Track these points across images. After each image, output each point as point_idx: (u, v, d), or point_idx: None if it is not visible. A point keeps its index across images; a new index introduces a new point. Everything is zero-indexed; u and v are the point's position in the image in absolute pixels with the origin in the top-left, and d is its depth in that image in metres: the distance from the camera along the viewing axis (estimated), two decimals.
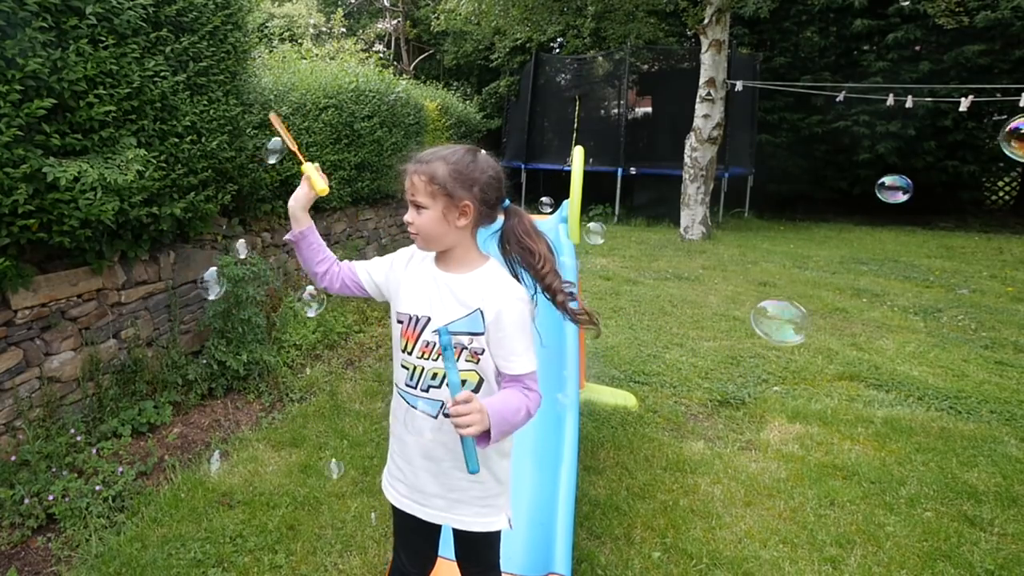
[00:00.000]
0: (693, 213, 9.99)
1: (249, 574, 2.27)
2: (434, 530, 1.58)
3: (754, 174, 12.68)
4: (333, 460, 2.54)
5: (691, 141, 9.94)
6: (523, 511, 2.29)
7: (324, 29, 13.76)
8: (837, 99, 10.27)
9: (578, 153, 3.05)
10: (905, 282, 7.13)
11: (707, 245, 9.49)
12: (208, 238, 4.24)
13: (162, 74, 3.32)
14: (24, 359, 2.94)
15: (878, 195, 3.30)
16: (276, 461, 3.07)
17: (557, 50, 15.39)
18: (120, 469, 2.87)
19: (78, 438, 2.99)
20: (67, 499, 2.60)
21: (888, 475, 2.96)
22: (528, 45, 14.26)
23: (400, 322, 1.45)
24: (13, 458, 2.74)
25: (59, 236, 2.86)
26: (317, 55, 8.51)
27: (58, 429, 2.99)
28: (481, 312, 1.36)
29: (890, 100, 9.47)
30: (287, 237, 1.55)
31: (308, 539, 2.46)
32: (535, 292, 1.49)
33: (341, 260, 1.58)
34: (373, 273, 1.53)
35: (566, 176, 4.77)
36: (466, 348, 1.36)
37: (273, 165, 3.34)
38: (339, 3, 16.22)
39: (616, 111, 12.87)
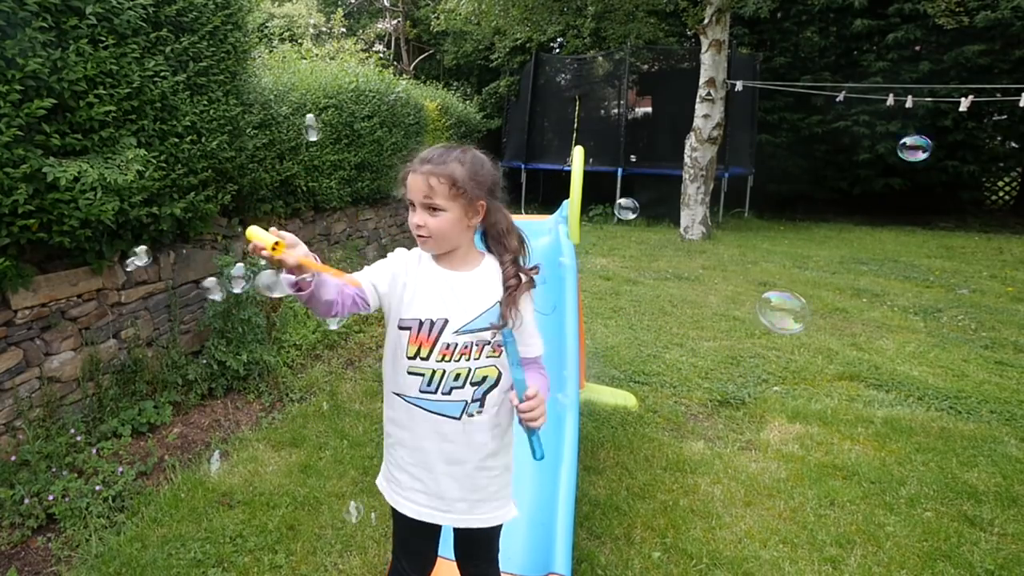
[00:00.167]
0: (693, 213, 9.99)
1: (249, 574, 2.27)
2: (437, 532, 1.58)
3: (754, 174, 12.68)
4: (352, 503, 2.51)
5: (691, 141, 9.94)
6: (523, 511, 2.28)
7: (324, 29, 13.76)
8: (837, 99, 10.27)
9: (578, 153, 3.05)
10: (905, 282, 7.13)
11: (707, 245, 9.49)
12: (208, 238, 4.24)
13: (162, 74, 3.32)
14: (24, 359, 2.94)
15: (899, 154, 3.56)
16: (276, 461, 3.07)
17: (557, 50, 15.39)
18: (120, 469, 2.87)
19: (78, 438, 2.99)
20: (67, 499, 2.60)
21: (888, 475, 2.96)
22: (528, 45, 14.26)
23: (406, 328, 1.39)
24: (13, 458, 2.74)
25: (59, 236, 2.86)
26: (317, 55, 8.51)
27: (58, 429, 2.99)
28: (500, 304, 1.40)
29: (890, 100, 9.47)
30: (300, 293, 1.26)
31: (308, 539, 2.46)
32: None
33: (341, 262, 1.53)
34: (378, 286, 1.41)
35: (566, 176, 4.76)
36: (488, 343, 1.38)
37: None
38: (339, 3, 16.22)
39: (616, 111, 12.87)
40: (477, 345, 1.38)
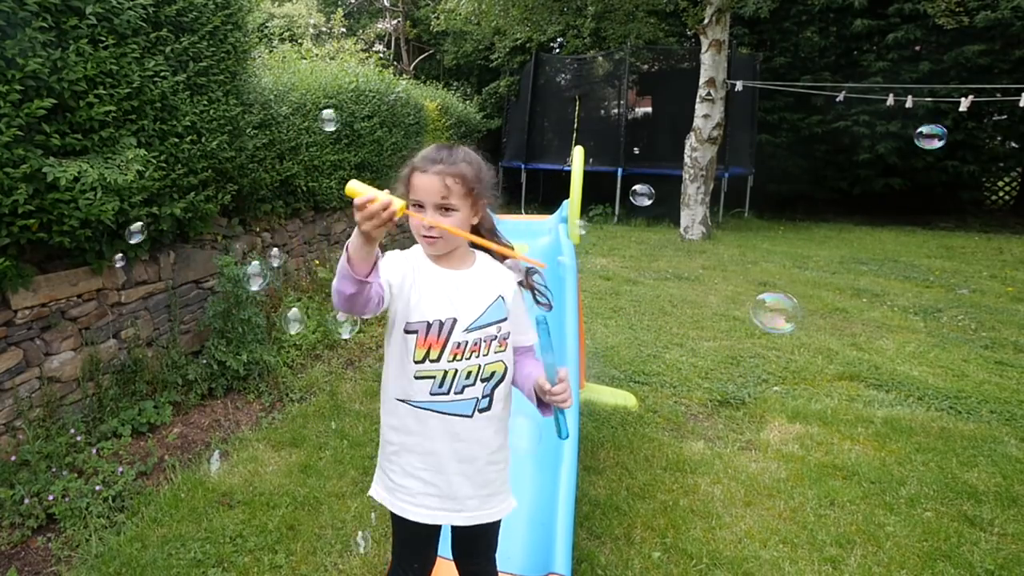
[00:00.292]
0: (693, 213, 9.98)
1: (249, 574, 2.27)
2: (438, 533, 1.58)
3: (754, 174, 12.68)
4: (360, 533, 2.50)
5: (691, 141, 9.94)
6: (523, 511, 2.29)
7: (324, 29, 13.76)
8: (837, 99, 10.27)
9: (578, 153, 3.05)
10: (905, 282, 7.13)
11: (707, 245, 9.49)
12: (208, 238, 4.24)
13: (162, 74, 3.32)
14: (24, 359, 2.94)
15: (916, 143, 3.79)
16: (276, 461, 3.07)
17: (557, 50, 15.39)
18: (120, 469, 2.87)
19: (78, 438, 2.99)
20: (67, 499, 2.60)
21: (888, 475, 2.96)
22: (528, 45, 14.26)
23: (412, 332, 1.37)
24: (13, 458, 2.74)
25: (59, 236, 2.86)
26: (317, 55, 8.51)
27: (58, 429, 2.99)
28: (502, 298, 1.44)
29: (890, 100, 9.47)
30: (354, 287, 1.21)
31: (308, 539, 2.46)
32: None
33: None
34: (392, 286, 1.36)
35: (566, 176, 4.77)
36: (495, 338, 1.41)
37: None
38: (339, 3, 16.22)
39: (616, 111, 12.87)
40: (485, 341, 1.40)
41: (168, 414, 3.45)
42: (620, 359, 4.46)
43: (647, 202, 3.15)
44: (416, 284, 1.40)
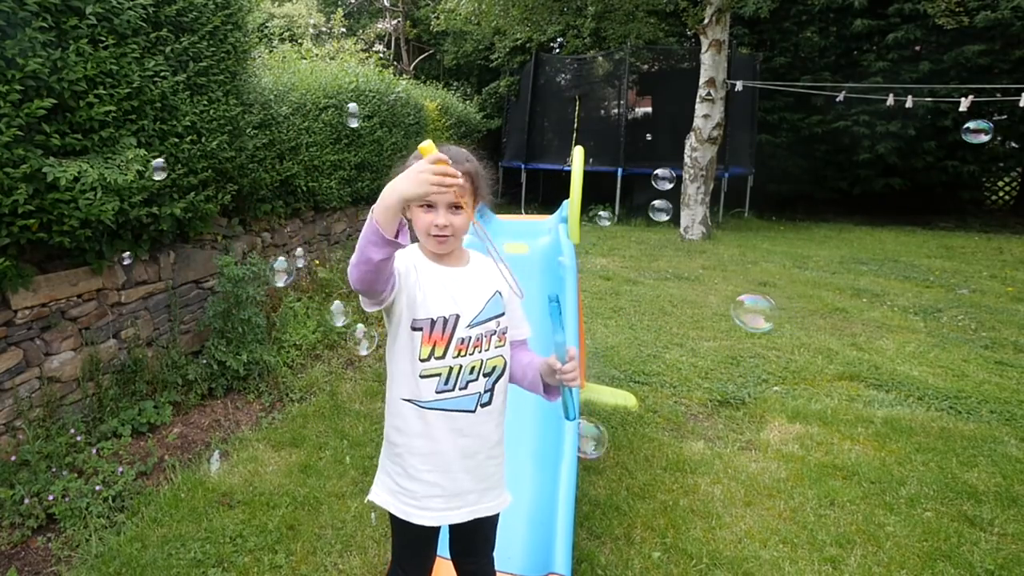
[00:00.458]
0: (693, 213, 9.98)
1: (249, 574, 2.27)
2: (438, 532, 1.59)
3: (754, 174, 12.68)
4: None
5: (691, 141, 9.94)
6: (523, 511, 2.29)
7: (324, 29, 13.76)
8: (837, 99, 10.27)
9: (578, 153, 3.05)
10: (905, 282, 7.13)
11: (707, 245, 9.49)
12: (208, 238, 4.24)
13: (162, 74, 3.32)
14: (24, 359, 2.94)
15: (963, 137, 4.01)
16: (276, 461, 3.07)
17: (557, 50, 15.39)
18: (120, 469, 2.87)
19: (78, 438, 2.99)
20: (67, 499, 2.60)
21: (888, 475, 2.96)
22: (528, 45, 14.26)
23: (418, 329, 1.38)
24: (13, 458, 2.74)
25: (59, 236, 2.86)
26: (317, 55, 8.51)
27: (58, 429, 2.98)
28: (499, 293, 1.47)
29: (890, 100, 9.47)
30: (379, 256, 1.22)
31: (308, 539, 2.46)
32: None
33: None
34: (400, 277, 1.37)
35: (566, 176, 4.77)
36: (495, 333, 1.43)
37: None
38: (339, 3, 16.22)
39: (616, 111, 12.87)
40: (487, 336, 1.43)
41: (168, 414, 3.45)
42: (620, 359, 4.46)
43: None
44: (419, 281, 1.41)
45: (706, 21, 9.56)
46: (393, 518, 1.50)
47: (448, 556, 1.65)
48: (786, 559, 2.36)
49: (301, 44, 9.77)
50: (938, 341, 4.97)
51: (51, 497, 2.60)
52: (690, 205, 10.00)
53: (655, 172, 3.26)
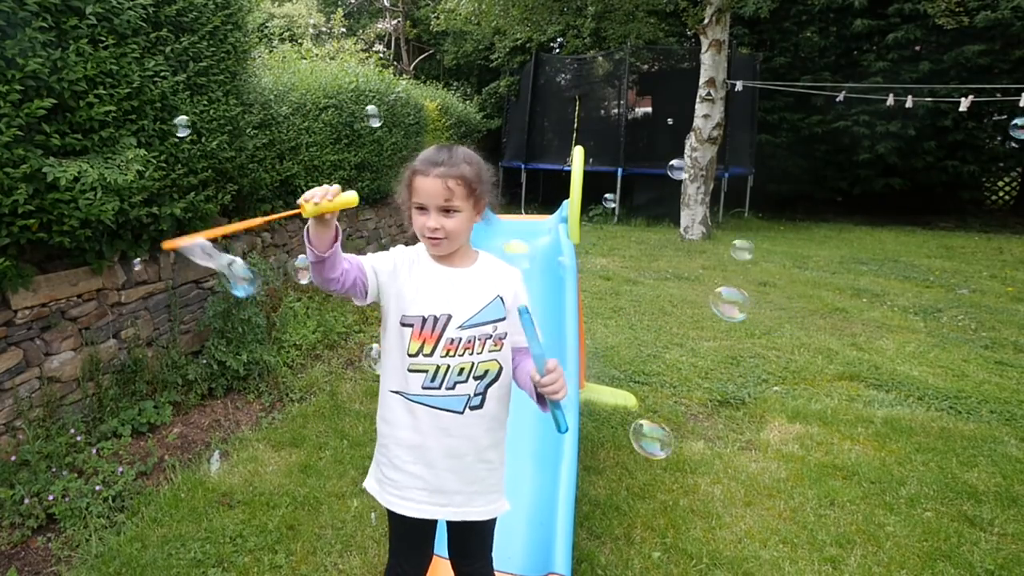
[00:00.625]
0: (693, 213, 9.98)
1: (249, 574, 2.27)
2: (434, 530, 1.59)
3: (754, 174, 12.68)
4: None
5: (691, 141, 9.94)
6: (523, 511, 2.29)
7: (324, 29, 13.76)
8: (837, 99, 10.27)
9: (578, 153, 3.05)
10: (905, 282, 7.13)
11: (707, 245, 9.49)
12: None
13: (162, 74, 3.32)
14: (24, 359, 2.94)
15: (1012, 134, 4.08)
16: (276, 461, 3.07)
17: (557, 50, 15.40)
18: (120, 469, 2.87)
19: (78, 438, 2.99)
20: (67, 499, 2.60)
21: (888, 475, 2.96)
22: (528, 45, 14.26)
23: (408, 325, 1.40)
24: (13, 458, 2.74)
25: (59, 236, 2.86)
26: (317, 55, 8.51)
27: (58, 429, 2.98)
28: (501, 298, 1.44)
29: (890, 100, 9.47)
30: (315, 258, 1.30)
31: (308, 539, 2.46)
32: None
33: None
34: (379, 273, 1.42)
35: (566, 176, 4.77)
36: (490, 337, 1.41)
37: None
38: (339, 3, 16.22)
39: (616, 111, 12.87)
40: (480, 339, 1.41)
41: (168, 414, 3.45)
42: (620, 359, 4.46)
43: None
44: (412, 278, 1.43)
45: (706, 21, 9.56)
46: (388, 511, 1.52)
47: (447, 556, 1.65)
48: (786, 559, 2.36)
49: (301, 44, 9.77)
50: (938, 341, 4.97)
51: (51, 497, 2.60)
52: (690, 205, 10.00)
53: (671, 163, 3.34)
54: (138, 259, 3.45)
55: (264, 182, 4.63)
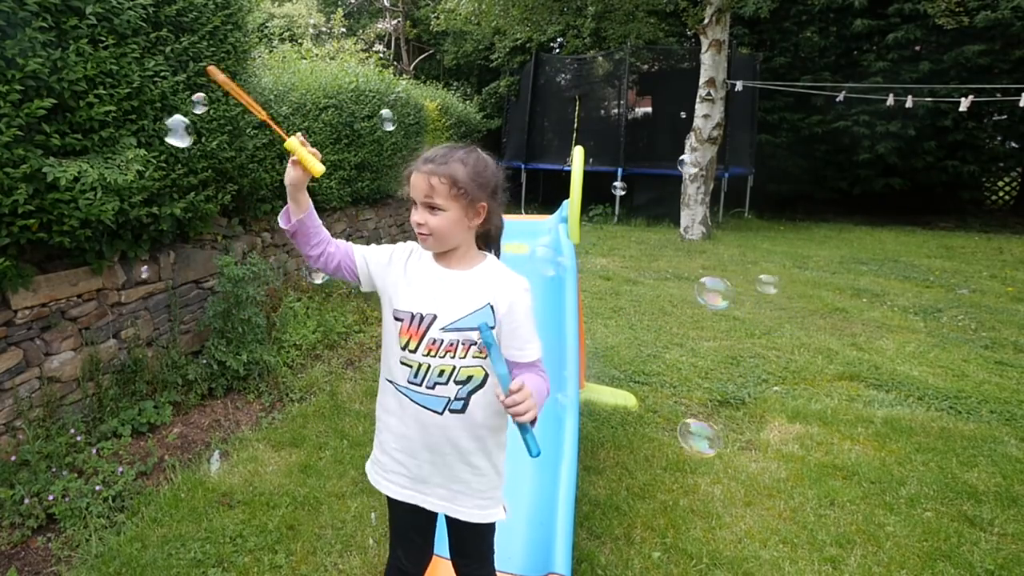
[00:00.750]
0: (693, 213, 9.99)
1: (249, 574, 2.27)
2: (431, 525, 1.60)
3: (754, 174, 12.69)
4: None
5: (691, 141, 9.94)
6: (523, 511, 2.29)
7: (324, 29, 13.77)
8: (837, 99, 10.28)
9: (578, 153, 3.05)
10: (905, 282, 7.13)
11: (707, 245, 9.49)
12: (208, 238, 4.24)
13: (162, 74, 3.32)
14: (24, 359, 2.94)
15: None
16: (276, 461, 3.07)
17: (557, 50, 15.40)
18: (120, 469, 2.87)
19: (78, 438, 2.99)
20: (67, 499, 2.60)
21: (888, 475, 2.96)
22: (528, 45, 14.27)
23: (399, 319, 1.43)
24: (13, 458, 2.74)
25: (59, 236, 2.86)
26: (317, 55, 8.51)
27: (58, 429, 2.98)
28: (492, 306, 1.39)
29: (890, 100, 9.48)
30: (283, 224, 1.46)
31: (308, 539, 2.46)
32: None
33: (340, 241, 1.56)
34: (370, 262, 1.49)
35: (566, 176, 4.77)
36: (475, 344, 1.38)
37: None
38: (339, 3, 16.23)
39: (616, 111, 12.87)
40: (463, 344, 1.39)
41: (168, 414, 3.45)
42: (620, 359, 4.46)
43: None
44: (407, 272, 1.46)
45: (706, 21, 9.57)
46: (386, 498, 1.57)
47: (448, 556, 1.65)
48: (786, 559, 2.36)
49: (301, 44, 9.77)
50: (938, 341, 4.97)
51: (51, 497, 2.60)
52: (690, 205, 10.00)
53: (680, 158, 3.40)
54: (145, 267, 3.54)
55: (264, 182, 4.63)
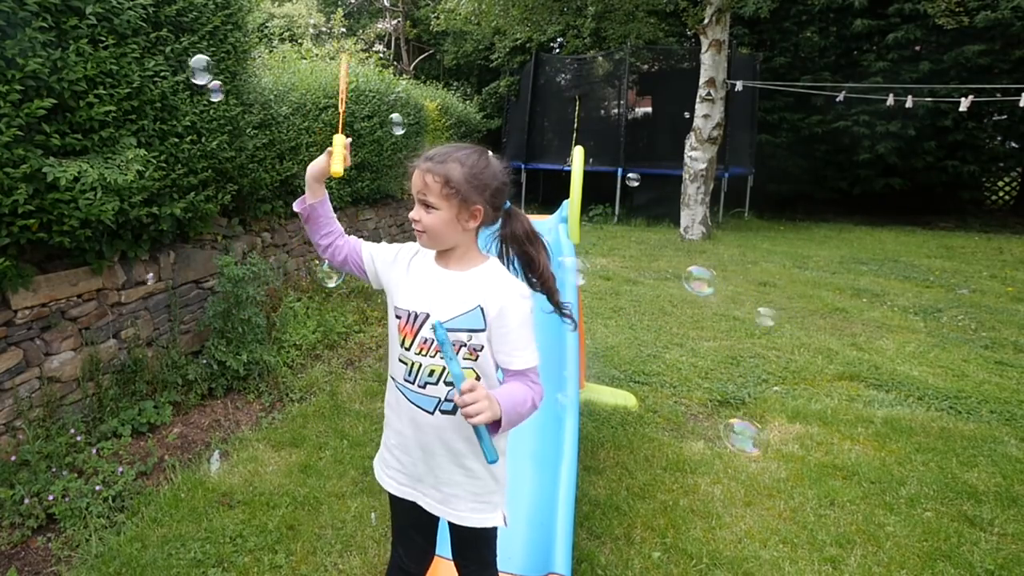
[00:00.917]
0: (693, 213, 9.99)
1: (249, 574, 2.27)
2: (432, 525, 1.59)
3: (754, 174, 12.69)
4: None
5: (691, 141, 9.94)
6: (523, 511, 2.29)
7: (324, 29, 13.77)
8: (837, 99, 10.28)
9: (578, 153, 3.05)
10: (905, 282, 7.13)
11: (707, 245, 9.50)
12: (208, 238, 4.24)
13: (162, 74, 3.32)
14: (24, 359, 2.94)
15: None
16: (276, 461, 3.07)
17: (557, 50, 15.40)
18: (120, 469, 2.87)
19: (78, 438, 2.99)
20: (67, 499, 2.60)
21: (888, 475, 2.96)
22: (528, 45, 14.27)
23: (398, 317, 1.45)
24: (13, 458, 2.74)
25: (59, 236, 2.86)
26: (317, 55, 8.51)
27: (58, 429, 2.98)
28: (482, 309, 1.37)
29: (890, 100, 9.47)
30: (296, 207, 1.54)
31: (308, 539, 2.46)
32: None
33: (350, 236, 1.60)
34: (376, 259, 1.53)
35: (566, 176, 4.77)
36: (464, 345, 1.37)
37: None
38: (339, 3, 16.23)
39: (616, 111, 12.87)
40: (453, 344, 1.36)
41: (168, 414, 3.45)
42: (620, 359, 4.46)
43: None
44: (409, 271, 1.48)
45: (706, 21, 9.56)
46: (387, 495, 1.58)
47: (450, 557, 1.65)
48: (786, 559, 2.36)
49: (301, 44, 9.77)
50: (938, 341, 4.97)
51: (51, 497, 2.59)
52: (690, 205, 10.00)
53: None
54: (151, 274, 3.60)
55: (264, 182, 4.63)
